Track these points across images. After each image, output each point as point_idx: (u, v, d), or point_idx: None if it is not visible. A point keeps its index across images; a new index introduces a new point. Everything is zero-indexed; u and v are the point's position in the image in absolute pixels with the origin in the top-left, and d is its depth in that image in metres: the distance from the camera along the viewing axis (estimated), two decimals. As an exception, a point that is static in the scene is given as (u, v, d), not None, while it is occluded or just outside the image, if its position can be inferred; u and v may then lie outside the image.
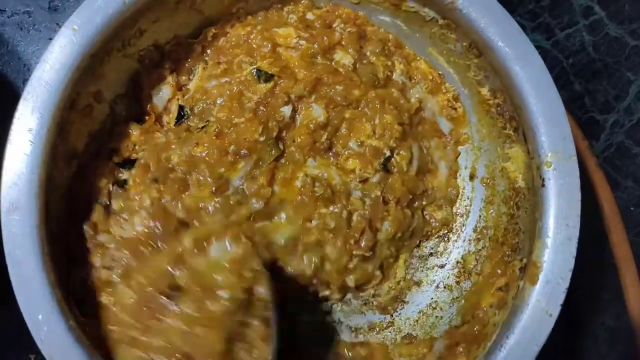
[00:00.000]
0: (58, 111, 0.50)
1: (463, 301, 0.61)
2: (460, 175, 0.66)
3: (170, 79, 0.60)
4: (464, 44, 0.58)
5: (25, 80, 0.66)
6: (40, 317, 0.47)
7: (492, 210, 0.62)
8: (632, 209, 0.72)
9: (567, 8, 0.74)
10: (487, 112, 0.61)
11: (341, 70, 0.60)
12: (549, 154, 0.52)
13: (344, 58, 0.61)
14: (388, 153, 0.60)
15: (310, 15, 0.62)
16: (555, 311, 0.50)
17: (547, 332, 0.50)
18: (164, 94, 0.60)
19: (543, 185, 0.52)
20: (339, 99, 0.59)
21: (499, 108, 0.59)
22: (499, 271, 0.58)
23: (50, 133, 0.49)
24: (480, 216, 0.63)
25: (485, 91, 0.59)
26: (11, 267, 0.48)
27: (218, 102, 0.59)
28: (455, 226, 0.65)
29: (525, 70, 0.52)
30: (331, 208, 0.59)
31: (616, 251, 0.70)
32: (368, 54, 0.62)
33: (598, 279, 0.70)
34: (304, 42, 0.60)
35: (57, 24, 0.67)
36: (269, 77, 0.59)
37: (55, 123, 0.49)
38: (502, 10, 0.53)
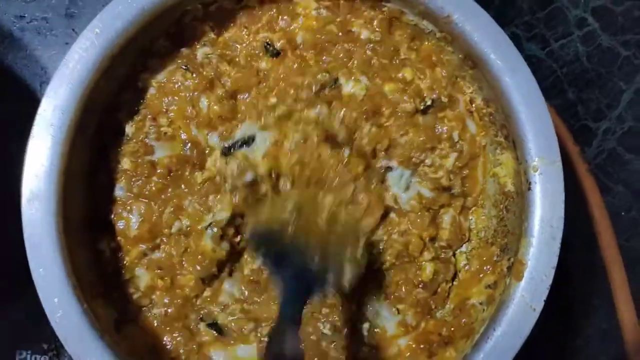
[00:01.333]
0: (78, 108, 0.52)
1: (452, 297, 0.63)
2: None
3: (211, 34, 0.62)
4: (460, 55, 0.60)
5: (42, 83, 0.69)
6: (56, 300, 0.50)
7: (482, 214, 0.64)
8: (622, 214, 0.73)
9: (562, 19, 0.75)
10: (481, 119, 0.62)
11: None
12: (536, 159, 0.54)
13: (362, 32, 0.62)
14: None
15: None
16: (539, 306, 0.52)
17: (530, 325, 0.52)
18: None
19: (529, 189, 0.54)
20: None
21: (491, 117, 0.61)
22: (486, 268, 0.60)
23: (70, 129, 0.52)
24: (471, 219, 0.65)
25: (479, 100, 0.61)
26: (30, 252, 0.51)
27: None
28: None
29: (515, 81, 0.55)
30: None
31: (605, 254, 0.71)
32: (396, 38, 0.63)
33: (589, 282, 0.72)
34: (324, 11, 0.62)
35: (73, 29, 0.70)
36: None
37: (75, 119, 0.52)
38: (495, 25, 0.55)
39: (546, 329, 0.53)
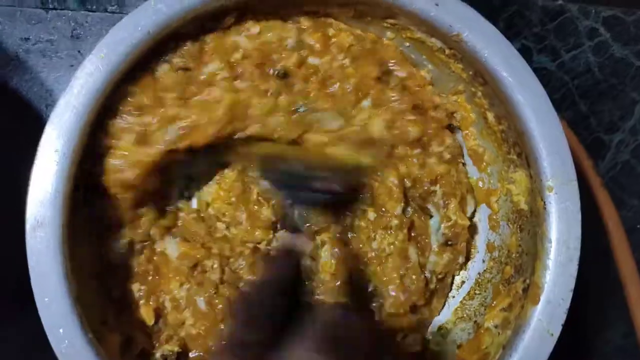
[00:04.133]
0: (83, 134, 0.51)
1: (467, 320, 0.62)
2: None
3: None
4: (470, 72, 0.59)
5: (47, 105, 0.69)
6: (61, 331, 0.49)
7: (496, 232, 0.64)
8: (638, 227, 0.73)
9: (572, 30, 0.75)
10: (493, 137, 0.62)
11: None
12: (551, 179, 0.53)
13: None
14: None
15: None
16: (557, 331, 0.51)
17: (548, 351, 0.51)
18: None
19: (544, 208, 0.53)
20: None
21: (503, 134, 0.60)
22: (502, 291, 0.59)
23: (76, 154, 0.51)
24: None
25: (491, 117, 0.61)
26: (34, 281, 0.50)
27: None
28: (461, 248, 0.66)
29: (527, 99, 0.54)
30: None
31: (621, 269, 0.70)
32: None
33: (604, 297, 0.71)
34: None
35: (79, 51, 0.70)
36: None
37: (80, 145, 0.51)
38: (506, 41, 0.54)
39: (561, 345, 0.52)
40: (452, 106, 0.64)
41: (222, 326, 0.57)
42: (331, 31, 0.60)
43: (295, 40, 0.58)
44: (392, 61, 0.62)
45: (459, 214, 0.62)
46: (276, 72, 0.58)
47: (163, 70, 0.55)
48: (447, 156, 0.62)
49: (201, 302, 0.58)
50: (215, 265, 0.59)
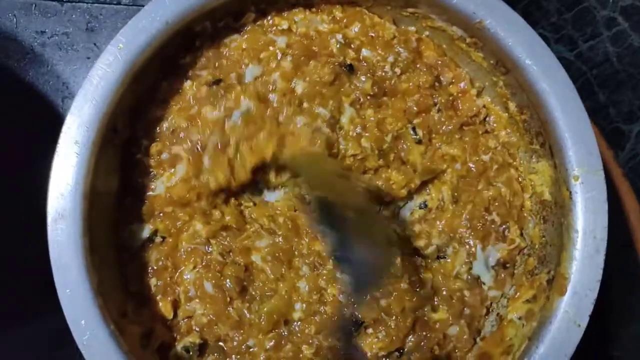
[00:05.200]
0: (103, 124, 0.51)
1: (489, 312, 0.61)
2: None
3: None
4: (491, 61, 0.58)
5: (64, 98, 0.69)
6: (83, 322, 0.49)
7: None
8: None
9: (590, 20, 0.74)
10: (515, 127, 0.61)
11: None
12: (576, 168, 0.52)
13: None
14: None
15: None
16: (584, 322, 0.51)
17: (575, 342, 0.50)
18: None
19: (570, 199, 0.53)
20: None
21: (525, 124, 0.59)
22: (525, 282, 0.59)
23: (95, 145, 0.51)
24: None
25: (512, 107, 0.60)
26: (56, 273, 0.50)
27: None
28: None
29: (552, 88, 0.53)
30: None
31: None
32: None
33: (625, 289, 0.70)
34: None
35: (95, 43, 0.70)
36: None
37: (100, 135, 0.51)
38: (529, 28, 0.54)
39: (583, 337, 0.51)
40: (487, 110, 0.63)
41: (230, 309, 0.57)
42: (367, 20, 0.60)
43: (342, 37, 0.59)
44: (439, 60, 0.62)
45: (518, 236, 0.61)
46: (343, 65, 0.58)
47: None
48: (495, 166, 0.61)
49: (209, 286, 0.57)
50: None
